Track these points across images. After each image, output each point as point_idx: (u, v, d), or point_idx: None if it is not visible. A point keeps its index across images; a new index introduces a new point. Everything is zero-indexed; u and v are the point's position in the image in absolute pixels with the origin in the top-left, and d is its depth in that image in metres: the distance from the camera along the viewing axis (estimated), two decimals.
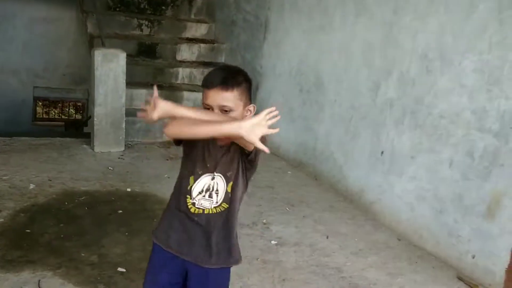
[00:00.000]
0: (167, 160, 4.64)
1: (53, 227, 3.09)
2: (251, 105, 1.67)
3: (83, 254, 2.82)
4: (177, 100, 5.52)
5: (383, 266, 3.10)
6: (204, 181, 1.71)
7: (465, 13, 3.09)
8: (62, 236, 3.00)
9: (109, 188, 3.81)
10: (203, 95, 1.62)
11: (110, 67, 4.44)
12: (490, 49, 2.94)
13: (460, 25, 3.12)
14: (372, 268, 3.05)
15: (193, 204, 1.71)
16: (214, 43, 6.44)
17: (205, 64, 6.16)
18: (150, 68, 5.77)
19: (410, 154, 3.50)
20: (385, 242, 3.44)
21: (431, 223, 3.34)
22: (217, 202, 1.70)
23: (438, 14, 3.27)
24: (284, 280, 2.80)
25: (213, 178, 1.70)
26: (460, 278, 3.05)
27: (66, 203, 3.46)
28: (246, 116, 1.64)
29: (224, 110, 1.58)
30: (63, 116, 10.29)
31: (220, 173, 1.69)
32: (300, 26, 4.77)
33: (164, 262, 1.78)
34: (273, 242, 3.25)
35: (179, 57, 6.17)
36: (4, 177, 3.76)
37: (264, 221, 3.54)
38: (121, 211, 3.43)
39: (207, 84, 1.61)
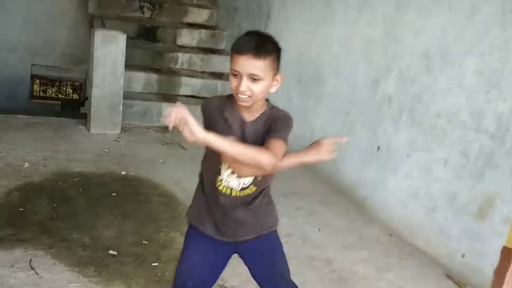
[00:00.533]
0: (163, 145, 4.64)
1: (46, 207, 3.10)
2: (279, 75, 1.62)
3: (75, 235, 2.83)
4: (175, 85, 5.52)
5: (372, 261, 3.13)
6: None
7: (468, 14, 3.08)
8: (55, 216, 3.01)
9: (103, 170, 3.81)
10: (231, 60, 1.55)
11: (110, 48, 4.41)
12: (491, 52, 2.94)
13: (463, 26, 3.12)
14: (361, 263, 3.08)
15: (221, 181, 1.66)
16: (215, 30, 6.41)
17: (205, 50, 6.13)
18: (150, 52, 5.74)
19: (405, 151, 3.52)
20: (376, 237, 3.47)
21: (422, 221, 3.37)
22: (244, 184, 1.66)
23: (441, 13, 3.26)
24: None
25: None
26: (448, 277, 3.09)
27: (60, 183, 3.46)
28: (273, 85, 1.61)
29: (253, 79, 1.53)
30: (60, 95, 10.26)
31: None
32: (302, 17, 4.75)
33: (204, 245, 1.75)
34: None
35: (179, 42, 6.14)
36: None
37: None
38: (114, 194, 3.43)
39: (238, 49, 1.54)
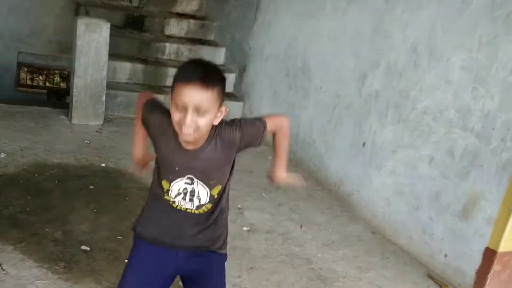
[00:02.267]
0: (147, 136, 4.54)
1: (19, 200, 3.00)
2: (223, 106, 1.52)
3: (47, 230, 2.74)
4: (161, 76, 5.41)
5: (354, 259, 3.07)
6: (178, 185, 1.60)
7: (458, 8, 3.00)
8: (27, 209, 2.91)
9: (83, 162, 3.71)
10: (174, 91, 1.45)
11: (93, 37, 4.29)
12: (480, 47, 2.86)
13: (452, 21, 3.04)
14: (342, 261, 3.02)
15: (174, 202, 1.62)
16: (204, 20, 6.29)
17: (193, 40, 6.02)
18: (136, 41, 5.62)
19: (391, 148, 3.45)
20: (359, 235, 3.41)
21: (406, 219, 3.31)
22: (199, 204, 1.61)
23: (430, 7, 3.18)
24: (251, 268, 2.76)
25: (191, 183, 1.58)
26: (430, 277, 3.04)
27: (36, 175, 3.36)
28: (217, 117, 1.51)
29: (199, 111, 1.43)
30: (48, 84, 10.09)
31: (199, 179, 1.58)
32: (291, 9, 4.65)
33: (153, 256, 1.67)
34: (245, 228, 3.20)
35: (167, 32, 6.02)
36: None
37: (239, 206, 3.48)
38: (92, 187, 3.34)
39: (184, 78, 1.43)
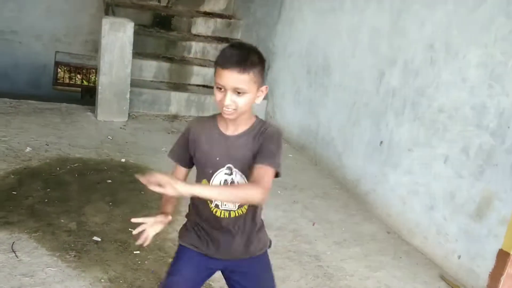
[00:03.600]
0: (168, 133, 4.64)
1: (39, 191, 3.13)
2: (263, 86, 1.58)
3: (62, 220, 2.85)
4: (186, 74, 5.50)
5: (364, 258, 3.04)
6: (219, 178, 1.62)
7: (473, 4, 2.93)
8: (46, 200, 3.04)
9: (103, 157, 3.83)
10: (215, 73, 1.53)
11: (117, 36, 4.42)
12: (495, 43, 2.79)
13: (467, 17, 2.97)
14: (352, 259, 2.99)
15: (217, 206, 1.63)
16: (231, 19, 6.35)
17: (219, 39, 6.09)
18: (163, 40, 5.74)
19: (407, 146, 3.39)
20: (373, 234, 3.37)
21: (421, 219, 3.25)
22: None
23: (446, 3, 3.11)
24: None
25: (230, 174, 1.61)
26: (442, 278, 2.97)
27: (58, 168, 3.50)
28: (258, 97, 1.57)
29: (238, 92, 1.50)
30: (84, 82, 10.42)
31: (238, 169, 1.60)
32: (313, 6, 4.64)
33: (196, 260, 1.72)
34: None
35: (194, 31, 6.12)
36: (3, 138, 3.82)
37: None
38: (110, 181, 3.45)
39: (222, 63, 1.51)
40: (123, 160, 3.83)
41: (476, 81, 2.89)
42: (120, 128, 4.52)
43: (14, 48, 8.02)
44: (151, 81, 5.35)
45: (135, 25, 4.71)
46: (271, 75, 5.37)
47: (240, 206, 1.63)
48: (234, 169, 1.60)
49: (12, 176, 3.27)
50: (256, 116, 1.66)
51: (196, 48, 5.84)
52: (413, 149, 3.34)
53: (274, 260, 2.81)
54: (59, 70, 9.14)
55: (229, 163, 1.60)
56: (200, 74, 5.54)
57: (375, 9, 3.79)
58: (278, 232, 3.17)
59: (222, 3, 6.55)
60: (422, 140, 3.27)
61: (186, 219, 1.78)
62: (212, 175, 1.62)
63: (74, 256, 2.54)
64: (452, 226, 3.02)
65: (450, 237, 3.03)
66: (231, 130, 1.62)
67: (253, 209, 1.67)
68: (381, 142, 3.65)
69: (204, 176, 1.63)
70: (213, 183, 1.61)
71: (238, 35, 6.29)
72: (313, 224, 3.35)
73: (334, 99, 4.26)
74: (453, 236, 3.01)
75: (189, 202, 1.74)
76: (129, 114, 4.76)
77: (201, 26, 6.16)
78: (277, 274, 2.70)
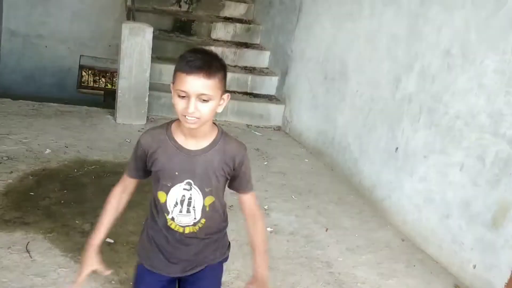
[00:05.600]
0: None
1: (56, 193, 3.20)
2: (225, 94, 1.52)
3: (77, 222, 2.91)
4: None
5: (377, 265, 3.01)
6: (176, 192, 1.57)
7: (492, 8, 2.88)
8: (62, 202, 3.10)
9: (121, 160, 3.89)
10: (176, 79, 1.45)
11: (136, 41, 4.49)
12: None
13: (486, 22, 2.92)
14: (364, 266, 2.97)
15: (172, 219, 1.60)
16: (250, 24, 6.38)
17: (238, 44, 6.13)
18: (183, 45, 5.78)
19: (422, 153, 3.35)
20: (387, 242, 3.33)
21: (436, 227, 3.20)
22: (195, 218, 1.59)
23: (465, 8, 3.07)
24: (269, 268, 2.77)
25: (189, 189, 1.57)
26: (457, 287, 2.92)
27: (76, 170, 3.57)
28: (220, 105, 1.51)
29: (202, 99, 1.43)
30: (109, 86, 10.60)
31: (197, 185, 1.57)
32: (331, 11, 4.63)
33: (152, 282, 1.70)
34: (268, 229, 3.22)
35: (214, 36, 6.17)
36: (24, 140, 3.92)
37: (266, 207, 3.51)
38: None
39: (187, 68, 1.42)
40: None
41: (493, 87, 2.84)
42: (138, 131, 4.58)
43: (40, 51, 8.23)
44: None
45: (155, 30, 4.78)
46: (289, 80, 5.37)
47: (195, 224, 1.60)
48: (193, 185, 1.57)
49: (31, 177, 3.35)
50: (217, 126, 1.61)
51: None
52: (429, 156, 3.29)
53: (286, 265, 2.84)
54: (83, 73, 9.33)
55: (188, 179, 1.56)
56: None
57: (393, 14, 3.76)
58: (290, 237, 3.16)
59: (242, 8, 6.59)
60: (438, 147, 3.22)
61: (144, 228, 1.74)
62: (170, 189, 1.57)
63: None
64: (467, 235, 2.96)
65: (465, 246, 2.97)
66: (192, 144, 1.56)
67: (209, 224, 1.63)
68: (397, 149, 3.61)
69: (160, 188, 1.58)
70: (170, 196, 1.57)
71: (258, 40, 6.31)
72: (326, 230, 3.34)
73: (350, 104, 4.24)
74: (469, 245, 2.95)
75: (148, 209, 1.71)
76: (147, 117, 4.82)
77: (221, 31, 6.21)
78: (288, 279, 2.72)
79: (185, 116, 1.45)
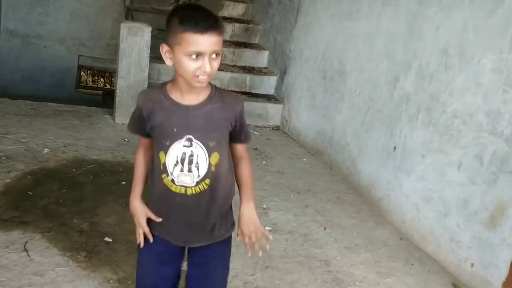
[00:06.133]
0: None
1: (54, 192, 3.20)
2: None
3: (75, 221, 2.91)
4: None
5: (375, 264, 3.01)
6: (176, 149, 1.52)
7: (490, 8, 2.88)
8: (60, 201, 3.10)
9: (119, 159, 3.89)
10: (184, 40, 1.39)
11: (135, 40, 4.49)
12: (511, 48, 2.74)
13: (483, 21, 2.92)
14: (362, 265, 2.97)
15: (173, 181, 1.55)
16: (249, 24, 6.39)
17: (237, 44, 6.13)
18: None
19: (420, 152, 3.35)
20: (385, 240, 3.33)
21: (434, 226, 3.21)
22: (199, 176, 1.54)
23: (462, 7, 3.07)
24: (267, 267, 2.78)
25: (189, 145, 1.52)
26: (455, 286, 2.92)
27: (74, 169, 3.57)
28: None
29: (215, 55, 1.44)
30: (108, 86, 10.60)
31: (198, 140, 1.52)
32: (329, 11, 4.64)
33: (160, 252, 1.67)
34: (267, 228, 3.22)
35: None
36: (22, 140, 3.92)
37: (264, 206, 3.51)
38: (124, 183, 3.49)
39: (199, 28, 1.38)
40: None
41: (491, 86, 2.85)
42: None
43: (39, 51, 8.22)
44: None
45: (154, 29, 4.78)
46: (287, 80, 5.37)
47: (198, 183, 1.55)
48: (194, 141, 1.52)
49: (29, 177, 3.35)
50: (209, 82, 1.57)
51: None
52: (427, 155, 3.30)
53: (284, 264, 2.84)
54: (82, 73, 9.33)
55: (188, 134, 1.52)
56: (217, 78, 5.56)
57: (392, 13, 3.77)
58: (288, 236, 3.17)
59: (241, 8, 6.60)
60: (435, 146, 3.22)
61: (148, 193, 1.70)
62: (169, 147, 1.53)
63: (85, 256, 2.58)
64: (465, 233, 2.97)
65: (463, 245, 2.98)
66: (189, 99, 1.53)
67: (214, 186, 1.57)
68: (395, 148, 3.61)
69: (161, 148, 1.55)
70: (169, 155, 1.53)
71: (256, 40, 6.32)
72: (325, 229, 3.34)
73: (349, 104, 4.24)
74: (466, 244, 2.95)
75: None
76: None
77: None
78: (286, 278, 2.72)
79: (198, 76, 1.44)
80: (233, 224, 1.74)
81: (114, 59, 8.96)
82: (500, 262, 2.73)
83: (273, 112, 5.44)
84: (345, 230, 3.38)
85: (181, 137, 1.52)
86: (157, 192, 1.61)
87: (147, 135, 1.62)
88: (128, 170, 3.72)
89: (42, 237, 2.69)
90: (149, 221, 1.67)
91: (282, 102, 5.44)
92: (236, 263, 2.74)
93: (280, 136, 5.20)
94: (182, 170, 1.54)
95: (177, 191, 1.56)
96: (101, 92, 8.88)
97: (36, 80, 8.18)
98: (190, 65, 1.42)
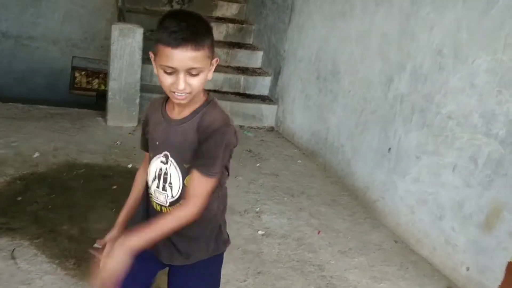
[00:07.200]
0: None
1: (44, 197, 3.15)
2: (214, 58, 1.40)
3: (64, 227, 2.86)
4: None
5: (369, 268, 2.97)
6: (155, 164, 1.45)
7: (483, 8, 2.84)
8: (50, 206, 3.05)
9: (110, 163, 3.84)
10: (158, 53, 1.30)
11: (126, 42, 4.44)
12: (505, 49, 2.70)
13: (477, 21, 2.88)
14: (356, 270, 2.93)
15: (151, 195, 1.50)
16: (243, 24, 6.34)
17: (231, 44, 6.08)
18: None
19: (415, 153, 3.32)
20: (380, 244, 3.30)
21: (429, 229, 3.17)
22: (173, 197, 1.44)
23: (456, 7, 3.03)
24: (259, 273, 2.74)
25: (165, 162, 1.43)
26: None
27: (64, 174, 3.52)
28: (210, 71, 1.40)
29: (192, 74, 1.31)
30: (102, 87, 10.54)
31: (173, 158, 1.42)
32: (323, 11, 4.60)
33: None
34: (259, 232, 3.18)
35: None
36: (12, 144, 3.86)
37: (258, 209, 3.47)
38: (115, 187, 3.45)
39: (171, 40, 1.26)
40: (129, 166, 3.83)
41: (485, 87, 2.81)
42: (129, 133, 4.53)
43: (31, 53, 8.15)
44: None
45: (147, 30, 4.72)
46: (282, 80, 5.33)
47: (172, 203, 1.45)
48: (170, 158, 1.44)
49: (18, 182, 3.30)
50: (207, 95, 1.46)
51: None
52: (421, 156, 3.26)
53: (277, 269, 2.80)
54: (76, 74, 9.26)
55: (166, 150, 1.44)
56: (211, 79, 5.52)
57: (385, 13, 3.73)
58: (281, 241, 3.12)
59: (235, 8, 6.55)
60: (430, 147, 3.19)
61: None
62: (151, 160, 1.48)
63: (74, 263, 2.54)
64: (460, 237, 2.93)
65: (458, 248, 2.94)
66: (176, 112, 1.44)
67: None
68: (390, 149, 3.58)
69: (150, 160, 1.51)
70: (150, 168, 1.48)
71: (250, 40, 6.27)
72: (318, 233, 3.30)
73: (343, 105, 4.20)
74: (462, 247, 2.92)
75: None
76: (139, 119, 4.77)
77: (213, 31, 6.14)
78: (279, 284, 2.68)
79: (174, 92, 1.34)
80: (221, 243, 1.60)
81: (107, 60, 8.91)
82: (496, 266, 2.69)
83: (267, 113, 5.40)
84: (339, 234, 3.34)
85: (160, 152, 1.46)
86: (143, 199, 1.57)
87: None
88: (119, 174, 3.67)
89: (31, 244, 2.64)
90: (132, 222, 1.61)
91: (277, 103, 5.40)
92: (227, 269, 2.70)
93: (274, 137, 5.16)
94: (158, 187, 1.47)
95: (155, 207, 1.51)
96: (95, 93, 8.80)
97: (29, 82, 8.12)
98: (165, 79, 1.33)
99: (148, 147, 1.54)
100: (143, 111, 4.81)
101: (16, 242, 2.63)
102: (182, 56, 1.28)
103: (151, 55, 1.40)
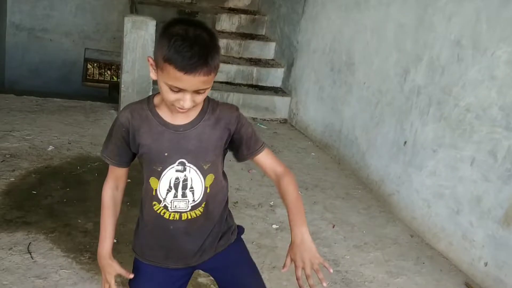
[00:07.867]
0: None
1: (58, 191, 3.16)
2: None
3: (79, 221, 2.86)
4: None
5: (385, 263, 2.94)
6: (169, 176, 1.40)
7: None
8: (64, 200, 3.06)
9: None
10: (165, 71, 1.24)
11: (139, 34, 4.42)
12: None
13: (497, 11, 2.81)
14: (372, 264, 2.90)
15: (165, 208, 1.43)
16: (256, 15, 6.28)
17: (244, 35, 6.03)
18: None
19: (432, 147, 3.26)
20: (395, 238, 3.26)
21: (446, 223, 3.12)
22: (194, 201, 1.43)
23: None
24: (274, 267, 2.72)
25: (183, 170, 1.40)
26: (468, 286, 2.85)
27: (78, 167, 3.52)
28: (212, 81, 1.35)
29: (199, 93, 1.28)
30: (114, 78, 10.56)
31: (192, 164, 1.40)
32: (337, 1, 4.53)
33: (160, 282, 1.55)
34: (274, 226, 3.17)
35: (218, 27, 6.07)
36: (27, 137, 3.88)
37: (271, 203, 3.44)
38: (129, 180, 3.42)
39: (183, 66, 1.21)
40: None
41: (505, 80, 2.74)
42: None
43: (45, 45, 8.19)
44: None
45: (159, 22, 4.69)
46: (295, 72, 5.28)
47: (193, 207, 1.44)
48: (187, 164, 1.40)
49: (33, 175, 3.31)
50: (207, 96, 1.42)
51: (220, 44, 5.79)
52: (438, 150, 3.21)
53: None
54: (89, 66, 9.29)
55: (181, 158, 1.39)
56: (223, 71, 5.48)
57: (401, 3, 3.65)
58: None
59: None
60: (447, 141, 3.13)
61: (137, 221, 1.59)
62: (161, 173, 1.40)
63: (89, 257, 2.54)
64: (478, 231, 2.88)
65: (476, 243, 2.90)
66: (179, 118, 1.39)
67: (210, 206, 1.47)
68: (405, 142, 3.52)
69: (152, 174, 1.42)
70: (161, 182, 1.41)
71: (263, 31, 6.22)
72: (333, 227, 3.27)
73: (358, 97, 4.15)
74: (480, 242, 2.87)
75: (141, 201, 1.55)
76: None
77: (226, 23, 6.12)
78: (294, 279, 2.63)
79: (176, 107, 1.31)
80: (234, 230, 1.63)
81: (120, 51, 8.92)
82: None
83: (280, 105, 5.36)
84: (354, 228, 3.31)
85: (173, 162, 1.40)
86: (149, 221, 1.50)
87: (126, 162, 1.50)
88: (132, 167, 3.62)
89: (46, 238, 2.65)
90: (141, 248, 1.57)
91: (290, 95, 5.36)
92: None
93: (287, 129, 5.12)
94: (176, 196, 1.43)
95: (171, 218, 1.45)
96: (107, 85, 8.82)
97: (42, 74, 8.16)
98: (169, 95, 1.29)
99: (146, 161, 1.44)
100: None
101: (32, 236, 2.64)
102: (194, 81, 1.24)
103: (151, 62, 1.32)
